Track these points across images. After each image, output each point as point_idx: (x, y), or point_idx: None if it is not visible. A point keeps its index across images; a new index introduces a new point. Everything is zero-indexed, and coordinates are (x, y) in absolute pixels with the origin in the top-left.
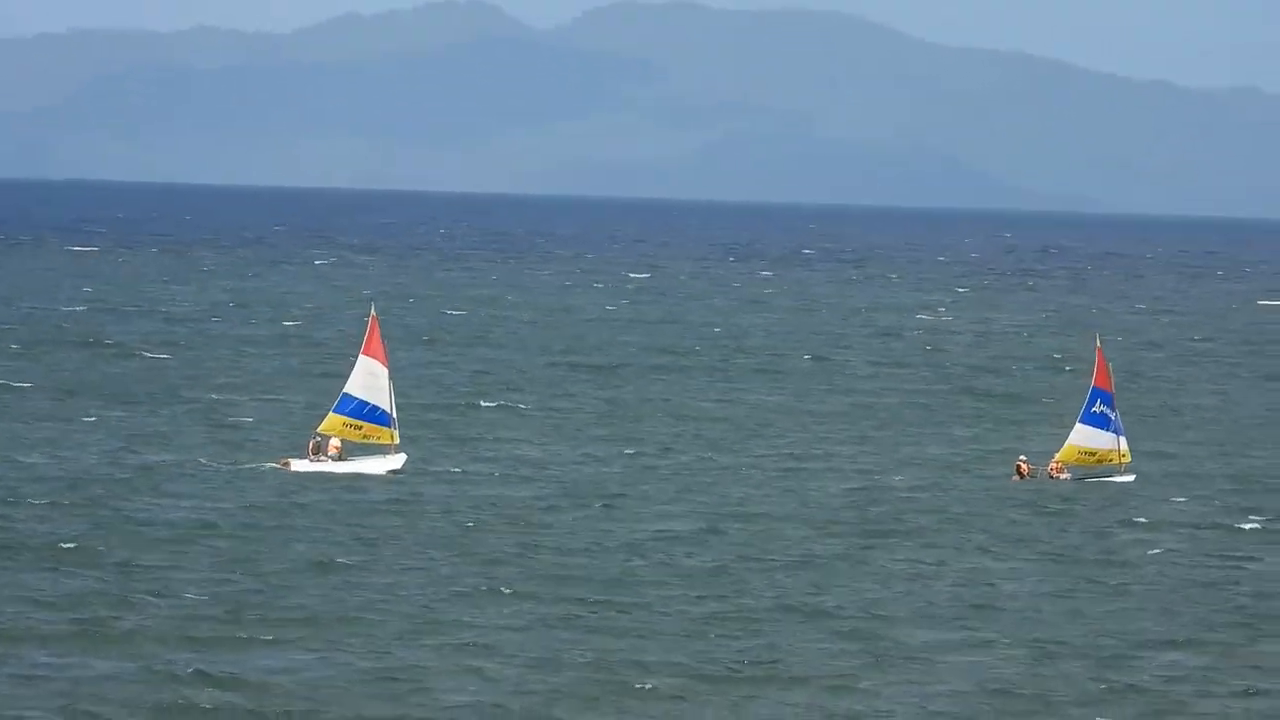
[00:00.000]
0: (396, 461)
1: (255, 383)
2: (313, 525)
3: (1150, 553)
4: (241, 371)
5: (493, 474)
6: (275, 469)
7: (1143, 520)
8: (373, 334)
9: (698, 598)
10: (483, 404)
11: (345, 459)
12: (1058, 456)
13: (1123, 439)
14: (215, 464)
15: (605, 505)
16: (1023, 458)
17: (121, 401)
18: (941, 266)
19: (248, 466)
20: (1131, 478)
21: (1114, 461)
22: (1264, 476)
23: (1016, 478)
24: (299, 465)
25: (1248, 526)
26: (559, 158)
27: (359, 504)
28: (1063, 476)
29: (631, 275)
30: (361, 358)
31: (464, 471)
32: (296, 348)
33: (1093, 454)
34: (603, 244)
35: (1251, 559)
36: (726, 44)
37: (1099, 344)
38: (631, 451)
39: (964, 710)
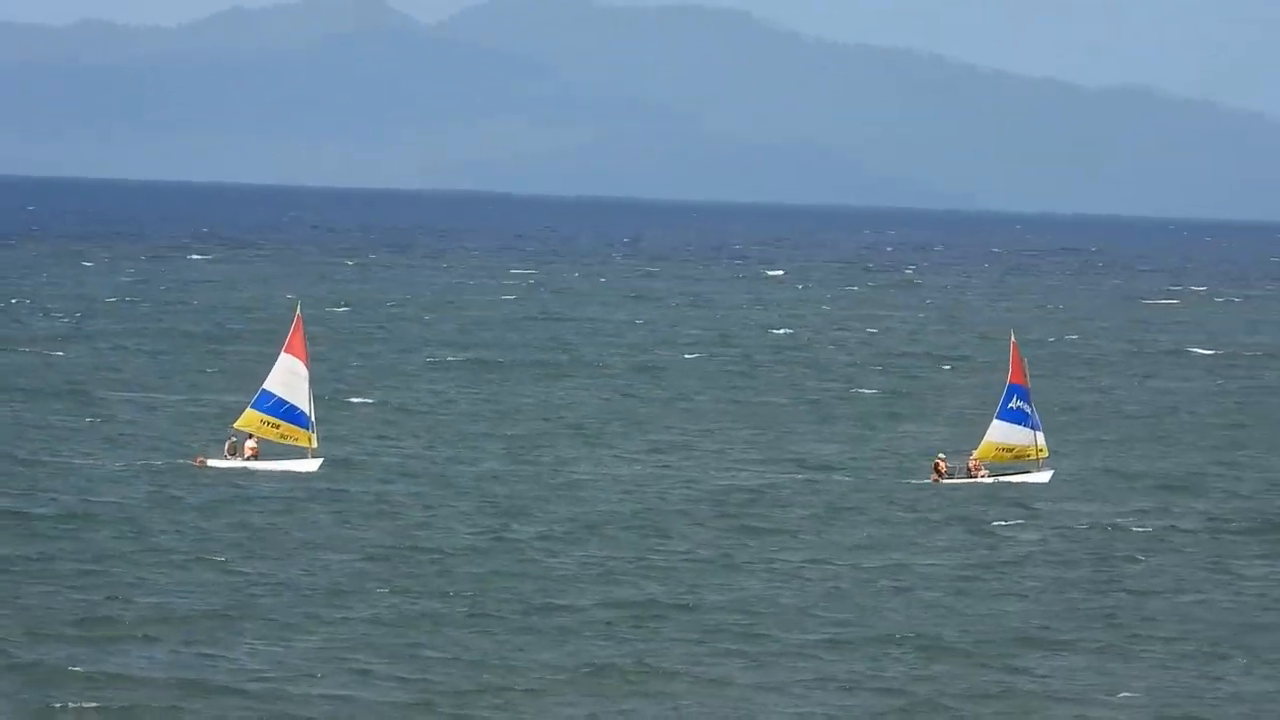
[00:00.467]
0: (313, 465)
1: (137, 379)
2: (194, 521)
3: (1032, 552)
4: (125, 368)
5: (373, 471)
6: (190, 466)
7: (1026, 520)
8: (296, 332)
9: (575, 595)
10: (364, 401)
11: (260, 459)
12: (975, 454)
13: (1040, 434)
14: (98, 459)
15: (484, 503)
16: (941, 456)
17: (5, 396)
18: (827, 264)
19: (143, 464)
20: (1049, 473)
21: (1031, 456)
22: (1146, 475)
23: (935, 476)
24: (215, 464)
25: (1135, 528)
26: (443, 153)
27: (241, 500)
28: (981, 474)
29: (514, 271)
30: (283, 355)
31: (346, 468)
32: (180, 343)
33: (1010, 449)
34: (488, 239)
35: (1132, 559)
36: (612, 39)
37: (1013, 340)
38: (512, 450)
39: (842, 709)
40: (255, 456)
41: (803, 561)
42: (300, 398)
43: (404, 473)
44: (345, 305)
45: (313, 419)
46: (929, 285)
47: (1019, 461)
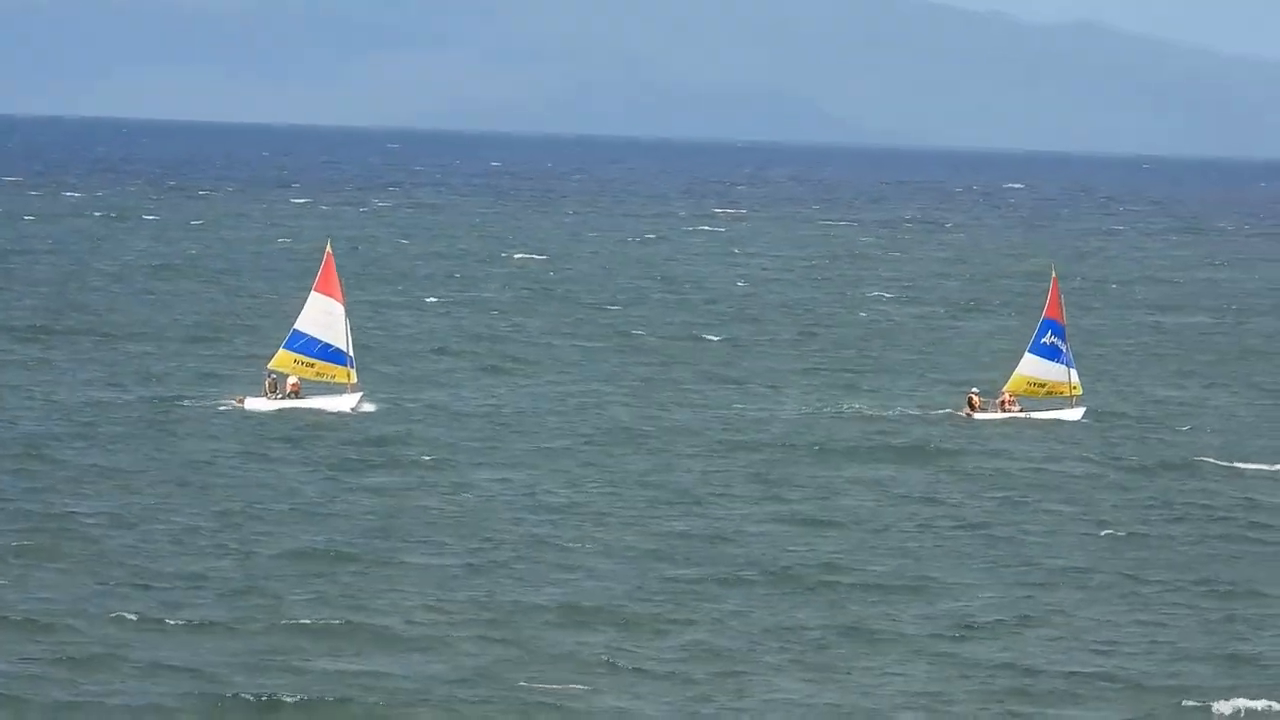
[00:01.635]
0: (353, 400)
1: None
2: (153, 454)
3: (986, 497)
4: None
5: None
6: (234, 406)
7: (984, 463)
8: (327, 270)
9: (545, 535)
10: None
11: (302, 397)
12: (1006, 388)
13: (1074, 371)
14: (63, 394)
15: (442, 439)
16: (975, 390)
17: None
18: (778, 202)
19: (108, 399)
20: (1081, 410)
21: (1065, 393)
22: (1130, 414)
23: (968, 409)
24: (254, 404)
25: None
26: (400, 93)
27: (203, 436)
28: (1014, 408)
29: (477, 209)
30: (314, 294)
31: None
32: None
33: (1042, 385)
34: (453, 178)
35: (1064, 505)
36: None
37: (1054, 275)
38: (474, 387)
39: (823, 649)
40: (297, 393)
41: (791, 502)
42: (338, 336)
43: (365, 413)
44: (310, 240)
45: (351, 354)
46: (881, 221)
47: (1052, 398)
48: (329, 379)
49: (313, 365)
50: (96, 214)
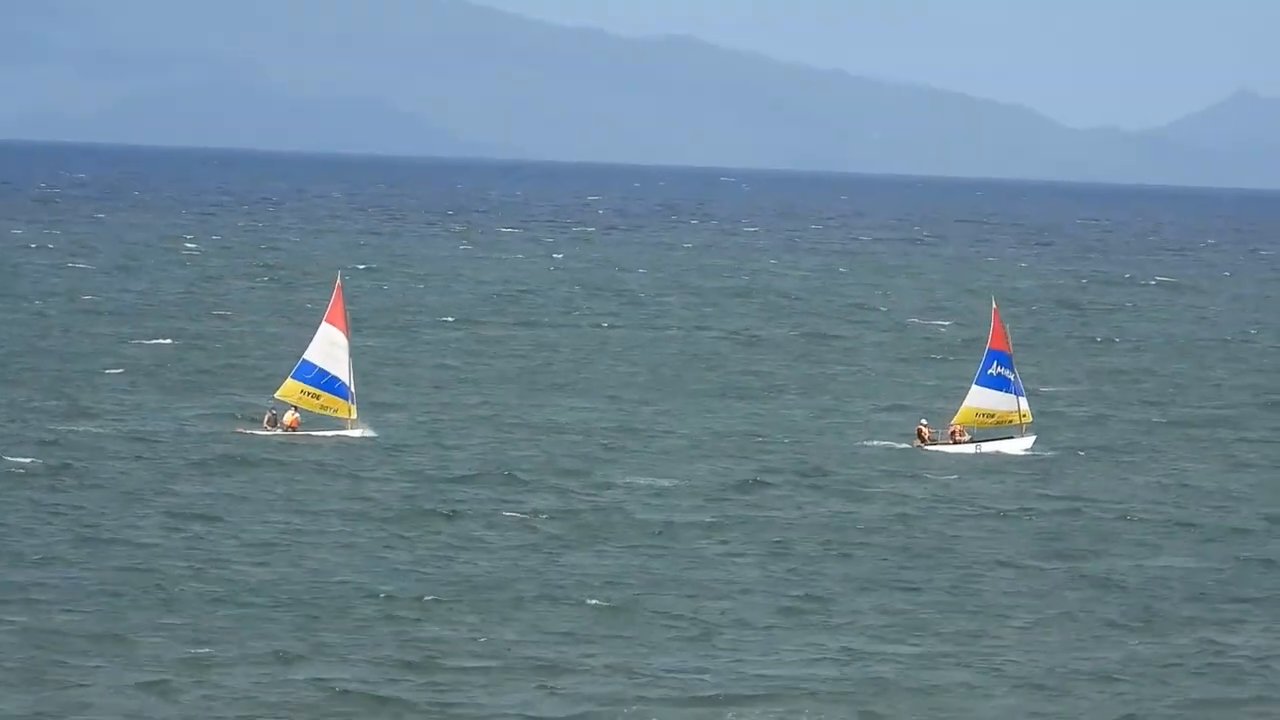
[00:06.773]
0: (353, 435)
1: None
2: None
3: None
4: None
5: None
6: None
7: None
8: (336, 302)
9: (488, 543)
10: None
11: (299, 430)
12: (955, 420)
13: (1023, 400)
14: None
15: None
16: (924, 422)
17: None
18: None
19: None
20: (1033, 439)
21: (1014, 422)
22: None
23: (918, 441)
24: (255, 435)
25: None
26: None
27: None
28: (963, 439)
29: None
30: (324, 325)
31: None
32: None
33: (991, 415)
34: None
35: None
36: None
37: (995, 306)
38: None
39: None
40: (295, 428)
41: (731, 537)
42: (340, 369)
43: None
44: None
45: (353, 390)
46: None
47: (1001, 426)
48: (331, 412)
49: (318, 397)
50: None
